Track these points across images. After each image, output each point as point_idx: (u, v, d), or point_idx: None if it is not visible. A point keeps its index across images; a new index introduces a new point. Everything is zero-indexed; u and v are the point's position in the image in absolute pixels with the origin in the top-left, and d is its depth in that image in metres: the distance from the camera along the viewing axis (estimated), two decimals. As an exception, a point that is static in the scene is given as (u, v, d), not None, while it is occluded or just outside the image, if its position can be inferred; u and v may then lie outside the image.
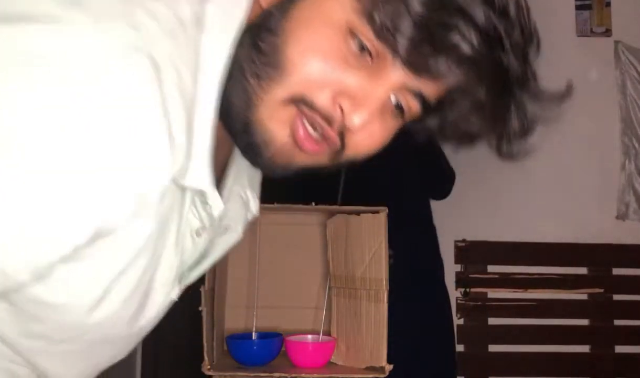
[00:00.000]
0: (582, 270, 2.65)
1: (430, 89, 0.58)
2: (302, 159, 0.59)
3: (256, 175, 0.75)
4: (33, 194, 0.44)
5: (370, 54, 0.55)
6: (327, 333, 1.45)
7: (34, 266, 0.47)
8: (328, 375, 1.30)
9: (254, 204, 0.75)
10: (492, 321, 2.58)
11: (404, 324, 1.83)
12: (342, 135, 0.57)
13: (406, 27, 0.52)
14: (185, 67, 0.50)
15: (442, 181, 2.15)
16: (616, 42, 2.77)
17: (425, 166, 2.04)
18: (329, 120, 0.56)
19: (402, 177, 1.99)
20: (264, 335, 1.42)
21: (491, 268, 2.61)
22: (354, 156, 0.61)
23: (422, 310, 1.93)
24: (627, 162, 2.73)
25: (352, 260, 1.39)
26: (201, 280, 1.32)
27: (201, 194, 0.57)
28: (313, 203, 1.39)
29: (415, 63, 0.54)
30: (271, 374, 1.28)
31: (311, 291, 1.52)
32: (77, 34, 0.45)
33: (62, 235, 0.46)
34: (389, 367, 1.28)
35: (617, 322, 2.63)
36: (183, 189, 0.56)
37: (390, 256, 1.76)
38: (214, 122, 0.54)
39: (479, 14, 0.52)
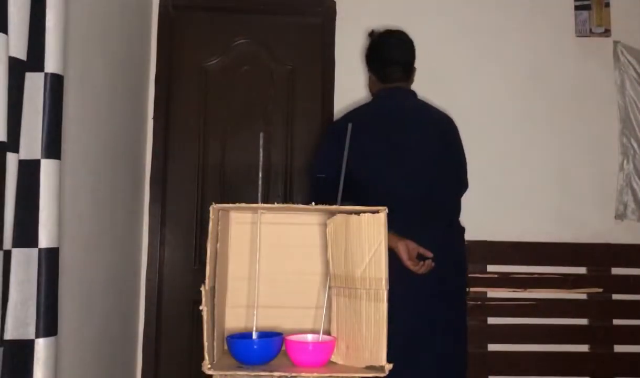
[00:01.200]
0: (582, 270, 2.66)
1: None
2: None
3: None
4: None
5: None
6: (327, 332, 1.46)
7: None
8: (328, 375, 1.31)
9: None
10: (491, 320, 2.59)
11: (432, 322, 1.88)
12: None
13: None
14: None
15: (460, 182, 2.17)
16: (615, 43, 2.78)
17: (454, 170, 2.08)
18: None
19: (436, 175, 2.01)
20: (264, 335, 1.43)
21: (491, 268, 2.61)
22: None
23: (449, 309, 1.96)
24: (625, 162, 2.74)
25: (352, 260, 1.39)
26: (202, 280, 1.33)
27: None
28: (313, 203, 1.39)
29: None
30: (271, 373, 1.28)
31: (311, 291, 1.53)
32: None
33: None
34: (388, 366, 1.29)
35: (616, 322, 2.63)
36: None
37: (432, 259, 1.82)
38: None
39: None
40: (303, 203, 1.42)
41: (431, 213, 1.95)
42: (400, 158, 1.96)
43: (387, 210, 1.35)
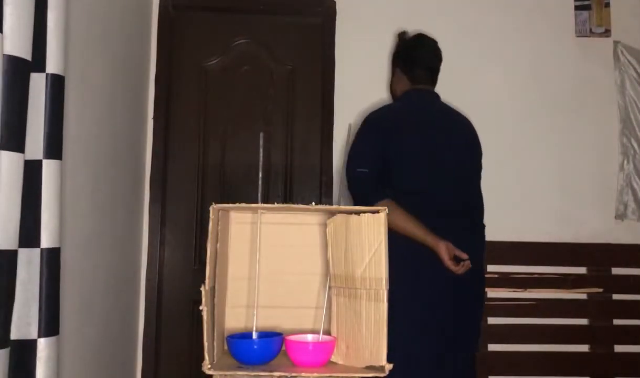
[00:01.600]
0: (582, 270, 2.66)
1: None
2: None
3: None
4: None
5: None
6: (327, 332, 1.46)
7: None
8: (328, 375, 1.31)
9: None
10: (491, 320, 2.58)
11: (466, 322, 1.96)
12: None
13: None
14: None
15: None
16: (615, 43, 2.78)
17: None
18: None
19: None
20: (264, 335, 1.43)
21: (491, 268, 2.61)
22: None
23: (478, 307, 2.04)
24: (625, 162, 2.74)
25: (352, 260, 1.39)
26: (202, 280, 1.33)
27: None
28: (313, 203, 1.39)
29: None
30: (271, 373, 1.29)
31: (311, 291, 1.53)
32: None
33: None
34: (388, 366, 1.29)
35: (616, 322, 2.63)
36: None
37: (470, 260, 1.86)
38: None
39: None
40: (303, 203, 1.42)
41: (464, 214, 2.01)
42: (438, 160, 2.00)
43: (386, 210, 1.35)
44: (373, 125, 2.04)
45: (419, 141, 1.99)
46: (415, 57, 2.15)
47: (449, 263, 1.84)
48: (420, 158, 1.97)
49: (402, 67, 2.17)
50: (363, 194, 1.90)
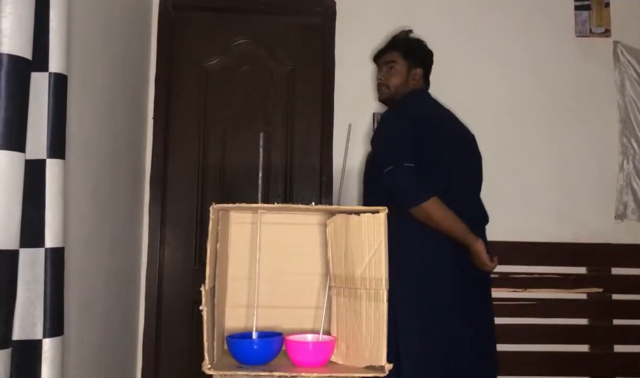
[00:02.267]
0: (582, 270, 2.66)
1: None
2: None
3: None
4: None
5: None
6: (327, 332, 1.46)
7: None
8: (328, 375, 1.31)
9: None
10: (491, 320, 2.59)
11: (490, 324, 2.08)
12: None
13: None
14: None
15: None
16: (615, 43, 2.78)
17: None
18: None
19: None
20: (264, 335, 1.43)
21: (491, 268, 2.61)
22: None
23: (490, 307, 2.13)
24: (625, 162, 2.74)
25: (352, 260, 1.39)
26: (202, 280, 1.33)
27: None
28: (313, 203, 1.39)
29: None
30: (271, 373, 1.29)
31: (311, 291, 1.53)
32: None
33: None
34: (388, 366, 1.29)
35: (616, 322, 2.63)
36: None
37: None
38: None
39: None
40: (303, 203, 1.42)
41: (477, 214, 2.07)
42: (462, 160, 2.04)
43: (386, 210, 1.35)
44: (410, 120, 1.98)
45: (447, 140, 2.02)
46: (432, 59, 2.25)
47: (487, 261, 1.90)
48: (449, 157, 1.99)
49: (424, 67, 2.21)
50: (410, 189, 1.85)
